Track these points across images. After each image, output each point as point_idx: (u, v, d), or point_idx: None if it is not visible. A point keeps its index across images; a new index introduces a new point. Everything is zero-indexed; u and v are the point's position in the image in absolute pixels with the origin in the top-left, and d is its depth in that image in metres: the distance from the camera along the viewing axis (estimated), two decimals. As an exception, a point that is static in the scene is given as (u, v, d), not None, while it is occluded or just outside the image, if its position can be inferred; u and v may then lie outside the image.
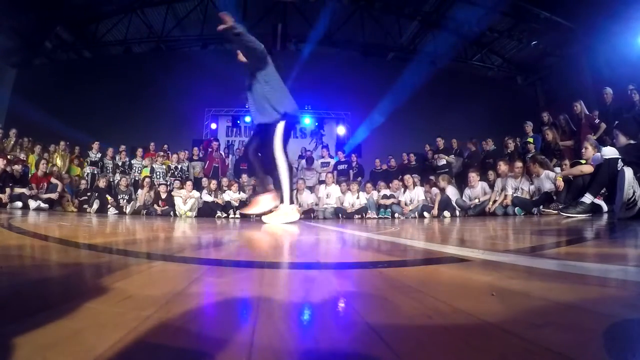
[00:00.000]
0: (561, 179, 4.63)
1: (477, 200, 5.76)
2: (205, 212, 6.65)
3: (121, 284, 0.55)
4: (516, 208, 5.10)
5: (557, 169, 5.24)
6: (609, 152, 2.88)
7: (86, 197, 6.90)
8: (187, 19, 10.02)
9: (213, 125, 10.57)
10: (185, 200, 6.68)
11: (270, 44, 7.90)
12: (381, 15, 9.92)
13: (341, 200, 6.81)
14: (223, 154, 8.80)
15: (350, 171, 7.94)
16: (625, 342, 0.33)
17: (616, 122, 4.57)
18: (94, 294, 0.48)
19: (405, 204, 6.38)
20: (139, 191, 7.06)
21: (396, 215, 6.30)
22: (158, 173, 7.56)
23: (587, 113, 6.06)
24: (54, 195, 6.61)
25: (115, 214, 6.46)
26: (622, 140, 3.10)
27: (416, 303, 0.45)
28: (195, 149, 8.45)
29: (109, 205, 6.77)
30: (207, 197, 6.80)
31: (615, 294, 0.50)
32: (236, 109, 10.35)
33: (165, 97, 9.66)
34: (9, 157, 6.92)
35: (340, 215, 6.50)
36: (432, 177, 6.84)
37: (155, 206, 6.71)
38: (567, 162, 5.00)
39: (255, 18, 8.87)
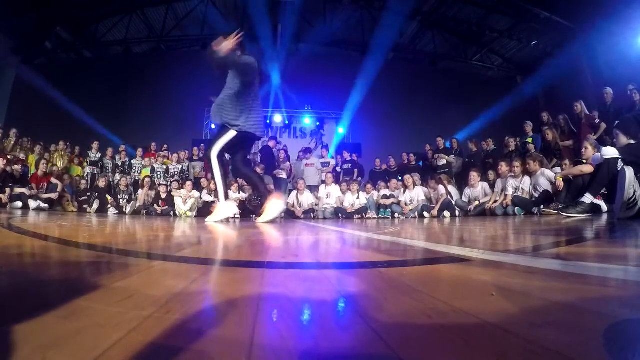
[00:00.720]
0: (561, 179, 4.63)
1: (477, 202, 5.76)
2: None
3: (121, 284, 0.55)
4: (516, 208, 5.09)
5: (557, 169, 5.24)
6: (609, 152, 2.87)
7: (86, 197, 6.91)
8: (187, 19, 10.03)
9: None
10: (185, 200, 6.68)
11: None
12: (381, 15, 9.94)
13: (341, 200, 6.81)
14: (223, 154, 8.79)
15: (355, 170, 7.93)
16: (625, 342, 0.33)
17: (616, 122, 4.56)
18: (94, 294, 0.48)
19: (405, 204, 6.38)
20: (139, 191, 7.06)
21: (396, 215, 6.30)
22: (158, 173, 7.56)
23: (587, 113, 6.07)
24: (54, 195, 6.61)
25: (115, 214, 6.46)
26: (623, 140, 3.09)
27: (416, 303, 0.45)
28: (195, 149, 8.43)
29: (109, 205, 6.77)
30: (207, 197, 6.80)
31: (615, 294, 0.50)
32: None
33: (165, 97, 9.67)
34: (9, 157, 6.92)
35: (340, 215, 6.50)
36: (440, 176, 6.71)
37: (155, 206, 6.71)
38: (567, 162, 5.00)
39: (256, 18, 8.88)
